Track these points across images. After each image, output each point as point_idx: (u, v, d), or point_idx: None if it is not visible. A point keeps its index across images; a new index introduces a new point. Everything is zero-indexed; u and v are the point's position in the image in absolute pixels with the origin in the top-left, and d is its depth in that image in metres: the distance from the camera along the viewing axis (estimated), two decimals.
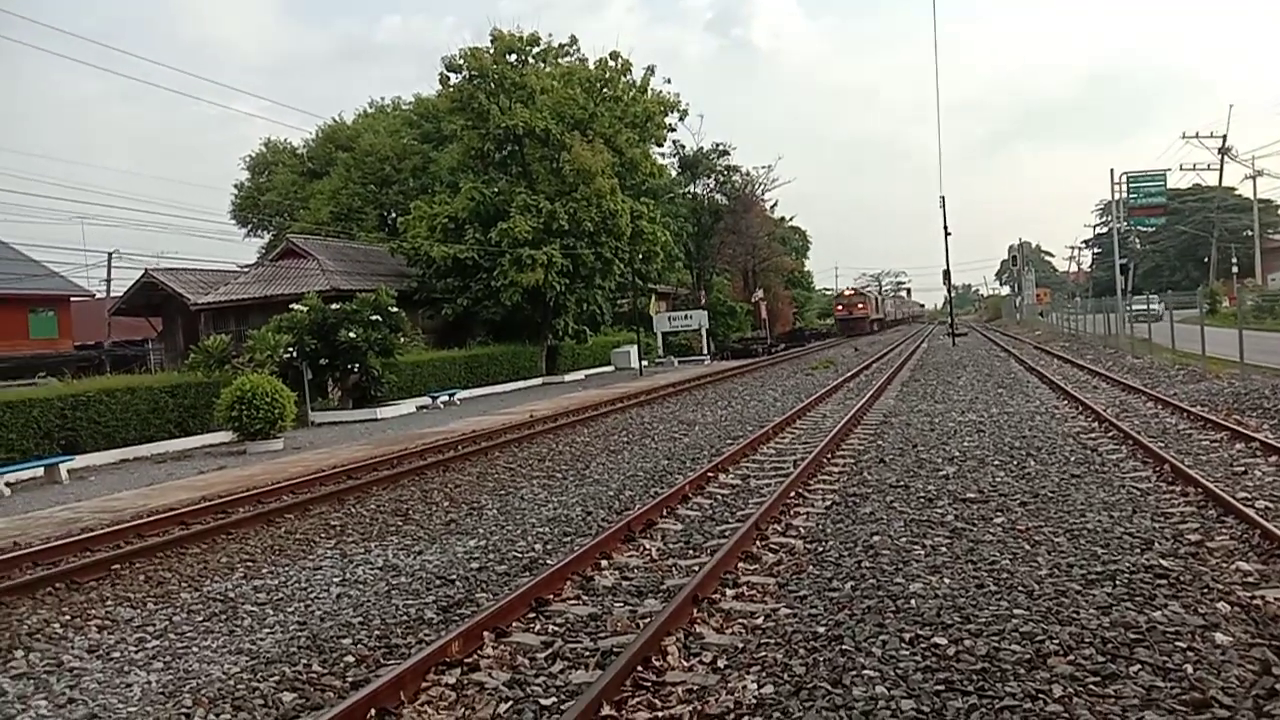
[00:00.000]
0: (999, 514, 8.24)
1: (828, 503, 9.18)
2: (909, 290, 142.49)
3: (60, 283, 45.99)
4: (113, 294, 42.35)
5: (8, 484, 15.02)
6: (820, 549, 7.41)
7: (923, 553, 7.07)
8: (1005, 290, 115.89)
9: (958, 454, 11.64)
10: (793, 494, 9.54)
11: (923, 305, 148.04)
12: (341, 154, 49.05)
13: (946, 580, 6.32)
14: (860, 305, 77.28)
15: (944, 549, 7.14)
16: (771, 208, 68.83)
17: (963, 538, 7.46)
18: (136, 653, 6.23)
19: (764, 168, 64.39)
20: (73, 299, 47.43)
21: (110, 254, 44.12)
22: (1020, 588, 6.05)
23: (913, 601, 5.90)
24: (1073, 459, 10.80)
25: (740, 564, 7.08)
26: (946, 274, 50.37)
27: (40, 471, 16.04)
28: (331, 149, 50.66)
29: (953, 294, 62.06)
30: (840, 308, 78.37)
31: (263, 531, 10.00)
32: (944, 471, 10.47)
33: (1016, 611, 5.57)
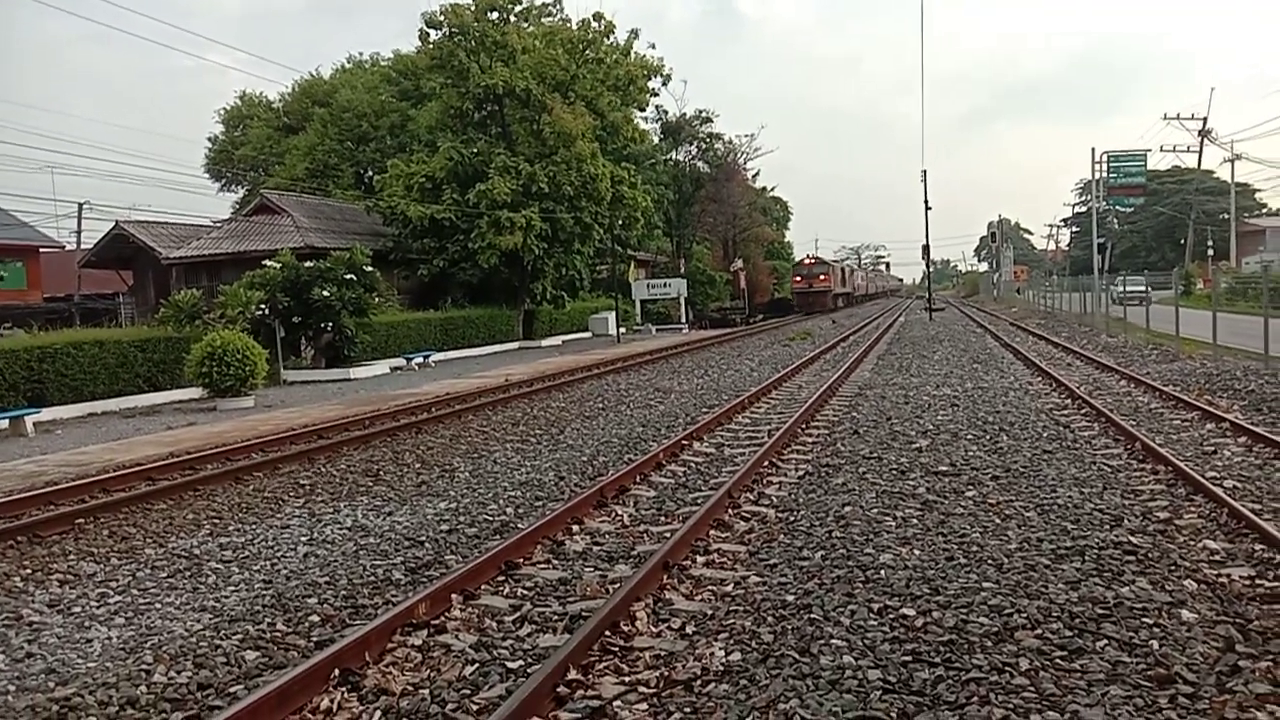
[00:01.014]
0: (970, 487, 8.26)
1: (801, 473, 9.18)
2: (888, 264, 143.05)
3: (29, 233, 45.05)
4: (83, 246, 41.58)
5: None
6: (792, 518, 7.41)
7: (894, 524, 7.08)
8: (984, 267, 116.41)
9: (931, 427, 11.67)
10: (766, 463, 9.53)
11: (901, 280, 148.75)
12: (318, 110, 48.24)
13: (916, 552, 6.33)
14: (822, 277, 62.13)
15: (915, 521, 7.15)
16: (753, 177, 68.78)
17: (934, 510, 7.48)
18: (98, 608, 6.14)
19: (746, 136, 64.11)
20: (42, 250, 46.51)
21: (81, 205, 43.31)
22: (990, 561, 6.06)
23: (882, 572, 5.90)
24: (1045, 435, 10.85)
25: (712, 531, 7.06)
26: (926, 249, 50.55)
27: (5, 424, 15.78)
28: (308, 104, 49.79)
29: (931, 269, 62.26)
30: (798, 279, 62.73)
31: (231, 489, 9.88)
32: (917, 444, 10.49)
33: (985, 585, 5.58)
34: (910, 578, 5.75)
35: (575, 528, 7.43)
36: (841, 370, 18.50)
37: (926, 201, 53.92)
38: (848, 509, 7.55)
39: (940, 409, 13.31)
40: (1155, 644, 4.63)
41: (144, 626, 5.71)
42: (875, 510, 7.52)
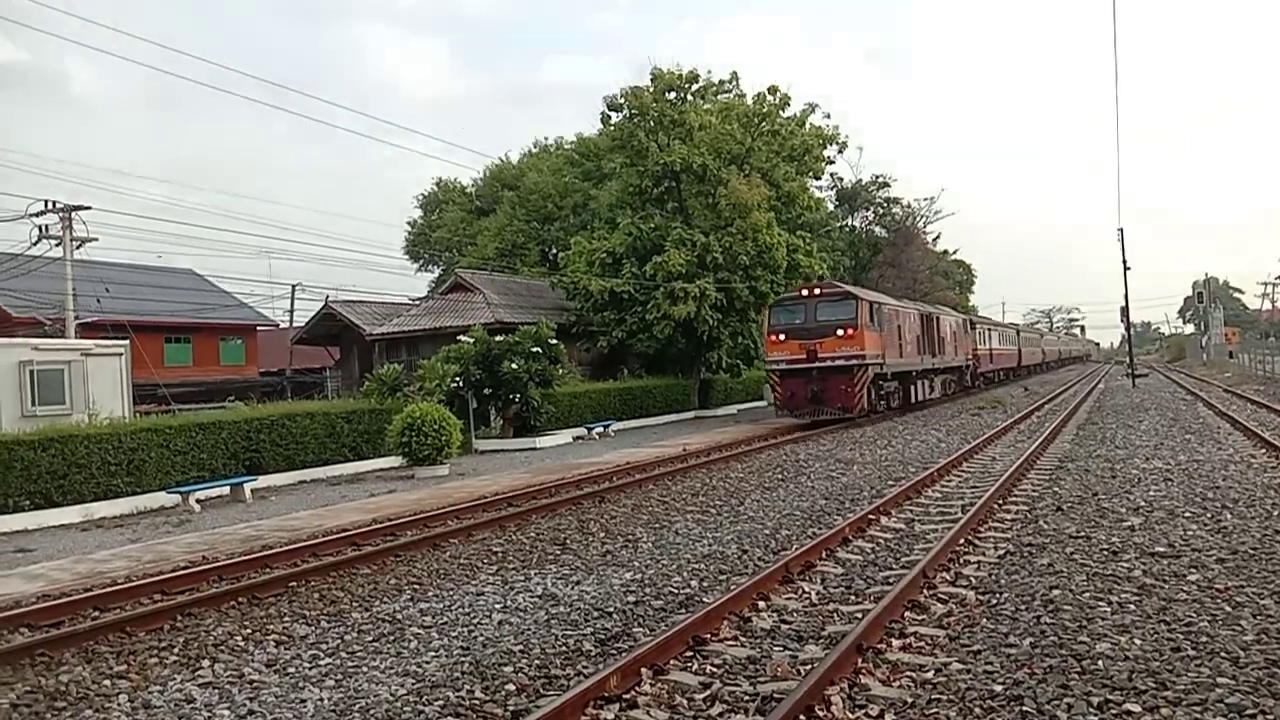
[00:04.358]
0: (1193, 570, 7.58)
1: (1000, 552, 8.70)
2: (1082, 328, 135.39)
3: (248, 313, 49.51)
4: (295, 324, 45.18)
5: (198, 501, 16.16)
6: (994, 601, 7.01)
7: (1109, 610, 6.58)
8: (1189, 329, 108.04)
9: (1143, 504, 10.84)
10: (962, 541, 9.10)
11: (1097, 344, 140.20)
12: (507, 192, 50.93)
13: (1137, 641, 5.84)
14: (843, 334, 24.93)
15: (1132, 607, 6.62)
16: (934, 240, 66.96)
17: (1153, 595, 6.90)
18: (310, 669, 6.50)
19: (926, 199, 62.72)
20: (259, 328, 50.98)
21: (294, 286, 47.25)
22: (1223, 653, 5.52)
23: (1100, 663, 5.48)
24: (1275, 513, 9.86)
25: (907, 613, 6.77)
26: (1125, 311, 47.54)
27: (227, 490, 17.18)
28: (498, 187, 52.70)
29: (1131, 332, 58.42)
30: (778, 338, 25.91)
31: (429, 555, 10.32)
32: (1129, 522, 9.76)
33: (1220, 680, 5.08)
34: (1132, 670, 5.31)
35: (762, 604, 7.31)
36: (1038, 441, 17.52)
37: (1125, 261, 50.80)
38: (1056, 592, 7.08)
39: (1152, 484, 12.35)
40: None
41: (352, 690, 6.00)
42: (1087, 594, 7.01)
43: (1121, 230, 47.44)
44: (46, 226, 29.95)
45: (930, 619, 6.68)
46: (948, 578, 7.81)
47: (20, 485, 15.35)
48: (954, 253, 77.93)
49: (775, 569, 8.08)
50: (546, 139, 58.33)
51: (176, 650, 7.12)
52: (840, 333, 24.86)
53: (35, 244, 30.23)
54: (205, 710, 5.78)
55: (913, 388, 30.19)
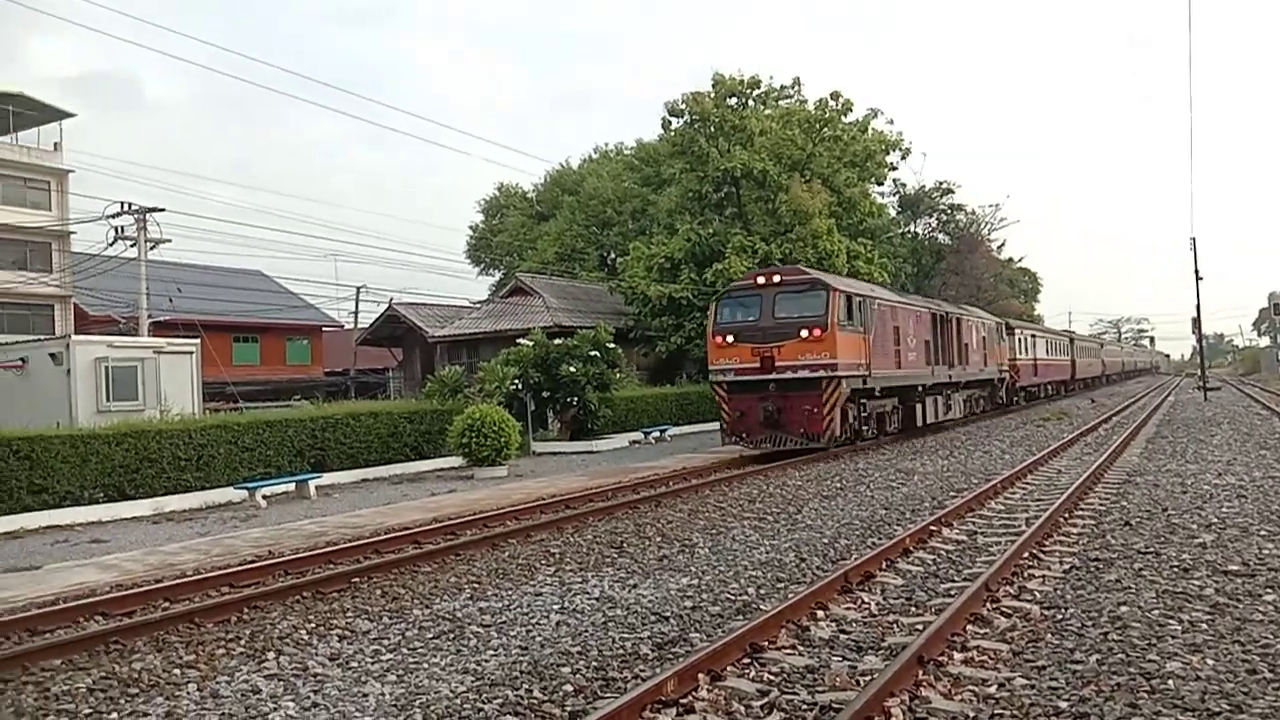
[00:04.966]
0: (1269, 590, 7.33)
1: (1066, 566, 8.50)
2: (1151, 339, 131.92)
3: (314, 314, 50.51)
4: (359, 325, 46.01)
5: (264, 497, 16.54)
6: (1059, 616, 6.86)
7: (1180, 628, 6.40)
8: (1264, 341, 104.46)
9: (1215, 520, 10.51)
10: (1025, 555, 8.91)
11: (1166, 355, 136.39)
12: (567, 197, 51.34)
13: (1210, 661, 5.67)
14: (809, 335, 18.77)
15: (1205, 626, 6.43)
16: (998, 248, 65.81)
17: (1226, 614, 6.69)
18: (373, 664, 6.60)
19: (991, 206, 61.81)
20: (324, 329, 51.99)
21: (359, 288, 48.13)
22: None
23: (1170, 682, 5.33)
24: None
25: (969, 626, 6.66)
26: (1196, 321, 46.19)
27: (292, 487, 17.57)
28: (558, 192, 53.16)
29: (1203, 344, 56.69)
30: (723, 340, 19.81)
31: (488, 555, 10.44)
32: (1200, 539, 9.47)
33: None
34: (1205, 690, 5.16)
35: (820, 613, 7.24)
36: (1106, 454, 17.10)
37: (1197, 270, 49.38)
38: (1124, 609, 6.91)
39: (1225, 500, 11.98)
40: None
41: (413, 685, 6.08)
42: (1156, 612, 6.83)
43: (1194, 239, 46.13)
44: (122, 228, 30.94)
45: (993, 633, 6.56)
46: (1011, 591, 7.66)
47: (96, 478, 15.88)
48: (1019, 260, 76.61)
49: (834, 578, 8.01)
50: (607, 144, 58.77)
51: (243, 642, 7.29)
52: (805, 334, 18.70)
53: (111, 244, 31.24)
54: (270, 701, 5.90)
55: (918, 407, 24.11)
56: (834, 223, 35.53)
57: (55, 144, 44.92)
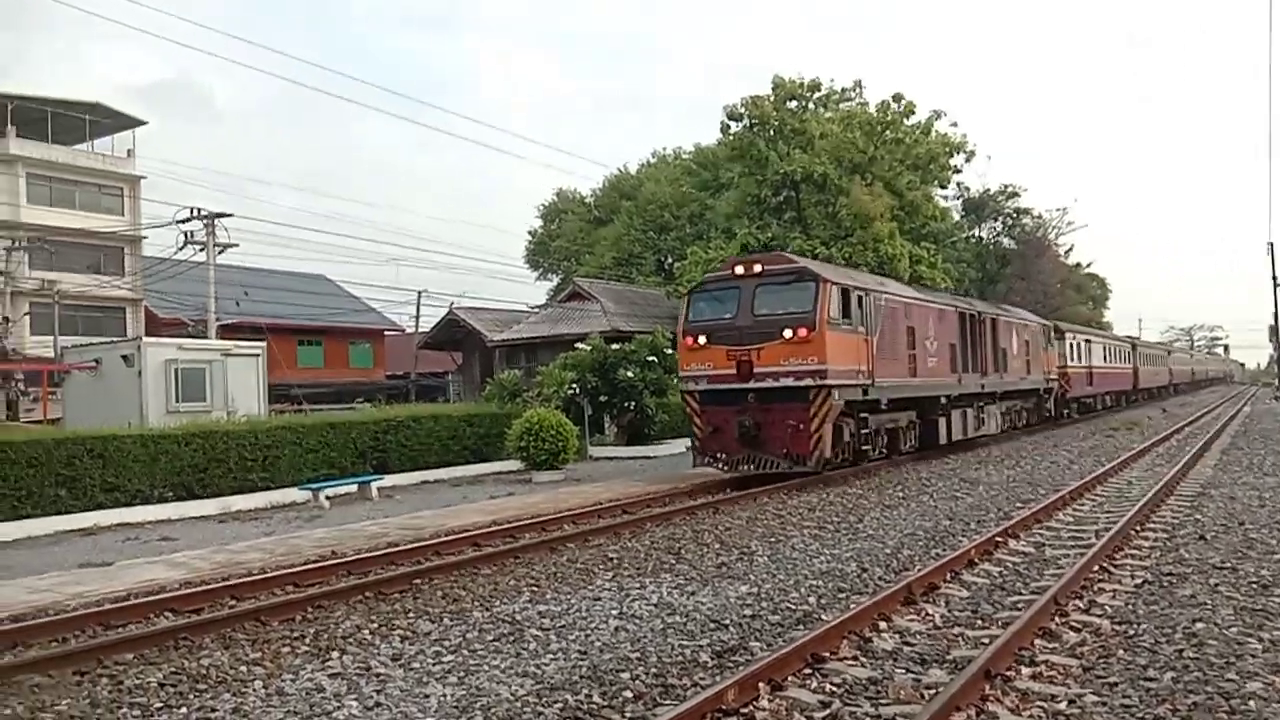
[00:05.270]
0: None
1: (1138, 581, 8.25)
2: (1226, 348, 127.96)
3: (376, 318, 51.29)
4: (420, 329, 46.65)
5: (328, 498, 16.83)
6: (1132, 632, 6.65)
7: (1259, 647, 6.16)
8: None
9: None
10: (1096, 568, 8.67)
11: (1241, 364, 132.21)
12: (625, 202, 51.47)
13: None
14: (795, 336, 15.95)
15: None
16: (1066, 253, 64.41)
17: None
18: (434, 665, 6.65)
19: (1058, 210, 60.58)
20: (386, 333, 52.76)
21: (420, 293, 48.83)
22: None
23: (1251, 703, 5.13)
24: None
25: (1037, 640, 6.49)
26: (1274, 329, 44.70)
27: (354, 488, 17.85)
28: (616, 197, 53.35)
29: None
30: (693, 340, 17.02)
31: (546, 558, 10.47)
32: None
33: None
34: None
35: (883, 624, 7.12)
36: (1178, 466, 16.58)
37: (1275, 276, 47.81)
38: (1199, 625, 6.68)
39: None
40: None
41: (474, 688, 6.11)
42: (1234, 629, 6.58)
43: (1271, 244, 44.65)
44: (192, 233, 31.83)
45: (1063, 648, 6.39)
46: (1080, 606, 7.45)
47: (165, 477, 16.32)
48: (1087, 266, 74.84)
49: (897, 589, 7.87)
50: (664, 149, 58.79)
51: (307, 640, 7.40)
52: (789, 334, 15.87)
53: (181, 249, 32.15)
54: (334, 700, 5.97)
55: (941, 421, 20.91)
56: (896, 226, 35.09)
57: (128, 151, 46.39)
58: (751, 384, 16.25)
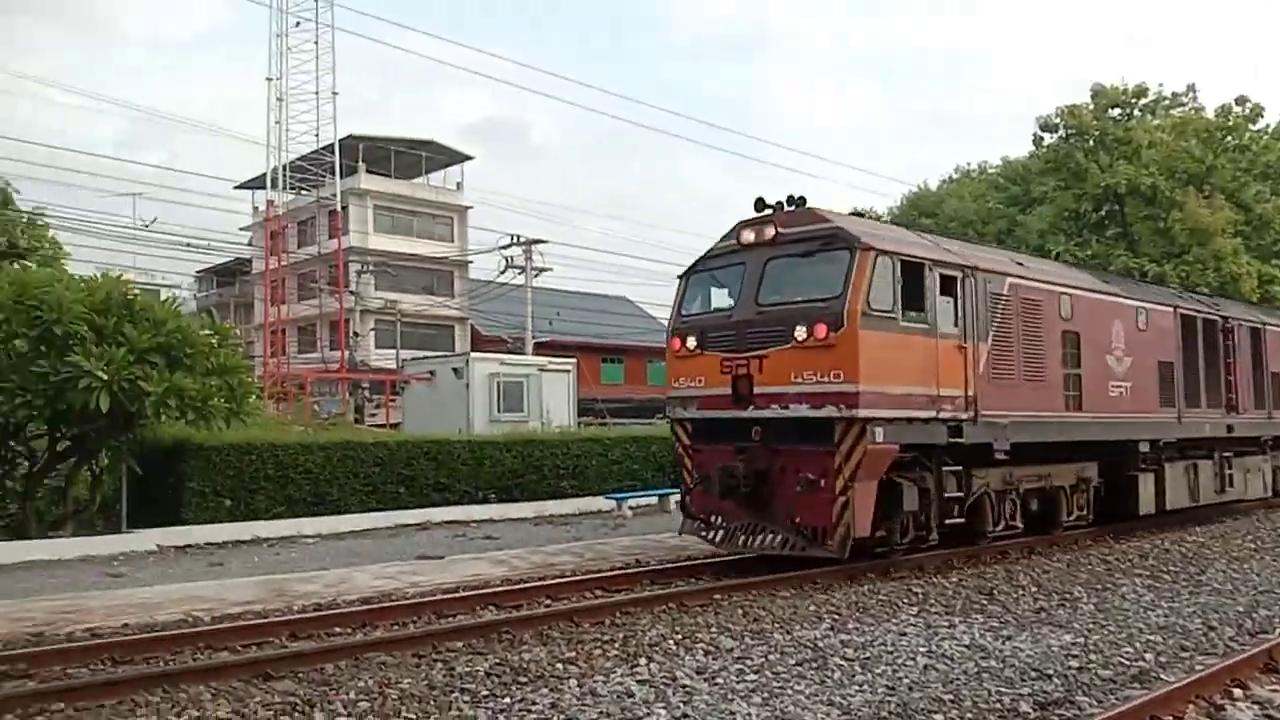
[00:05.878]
0: None
1: None
2: None
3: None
4: None
5: (630, 508, 17.56)
6: None
7: None
8: None
9: None
10: None
11: None
12: (925, 220, 49.68)
13: None
14: (811, 337, 9.93)
15: None
16: None
17: None
18: (738, 683, 6.69)
19: None
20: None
21: None
22: None
23: None
24: None
25: None
26: None
27: (654, 500, 18.51)
28: (915, 215, 51.60)
29: None
30: (680, 344, 11.34)
31: (845, 586, 10.24)
32: None
33: None
34: None
35: (1238, 691, 6.31)
36: None
37: None
38: None
39: None
40: None
41: (779, 710, 6.07)
42: None
43: None
44: (511, 258, 34.72)
45: None
46: None
47: (488, 480, 17.79)
48: None
49: (1255, 653, 6.95)
50: (968, 164, 56.16)
51: (617, 645, 7.71)
52: (802, 334, 10.09)
53: (502, 272, 35.13)
54: (644, 706, 6.16)
55: (1142, 479, 14.08)
56: (1240, 243, 31.25)
57: (458, 184, 51.57)
58: (750, 411, 10.56)
